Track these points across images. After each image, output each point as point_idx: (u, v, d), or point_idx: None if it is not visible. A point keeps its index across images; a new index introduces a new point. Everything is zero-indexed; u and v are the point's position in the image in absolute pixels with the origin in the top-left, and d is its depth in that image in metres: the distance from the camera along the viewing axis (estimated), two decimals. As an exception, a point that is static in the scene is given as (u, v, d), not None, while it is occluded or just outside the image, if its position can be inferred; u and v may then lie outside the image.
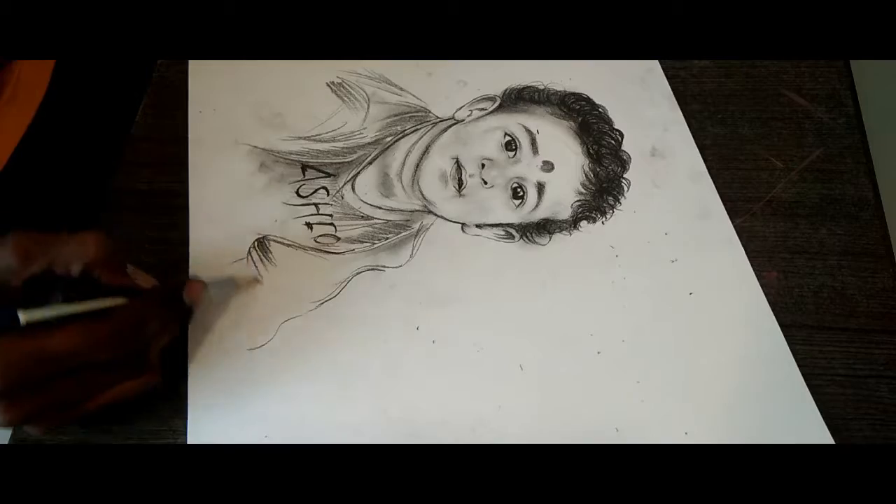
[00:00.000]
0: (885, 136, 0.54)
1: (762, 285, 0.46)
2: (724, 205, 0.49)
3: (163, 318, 0.39)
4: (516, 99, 0.54)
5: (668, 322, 0.45)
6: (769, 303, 0.45)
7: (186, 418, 0.42)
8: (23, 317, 0.35)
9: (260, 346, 0.44)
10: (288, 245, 0.48)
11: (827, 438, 0.41)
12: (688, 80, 0.54)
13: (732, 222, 0.48)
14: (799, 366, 0.43)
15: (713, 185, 0.49)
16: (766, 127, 0.52)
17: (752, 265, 0.46)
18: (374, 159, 0.51)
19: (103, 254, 0.37)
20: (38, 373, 0.35)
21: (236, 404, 0.43)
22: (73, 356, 0.35)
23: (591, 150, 0.51)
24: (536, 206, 0.49)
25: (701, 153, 0.51)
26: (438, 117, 0.53)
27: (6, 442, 0.43)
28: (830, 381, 0.43)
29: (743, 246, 0.47)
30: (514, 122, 0.52)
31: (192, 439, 0.42)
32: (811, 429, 0.41)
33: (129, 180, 0.51)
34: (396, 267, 0.47)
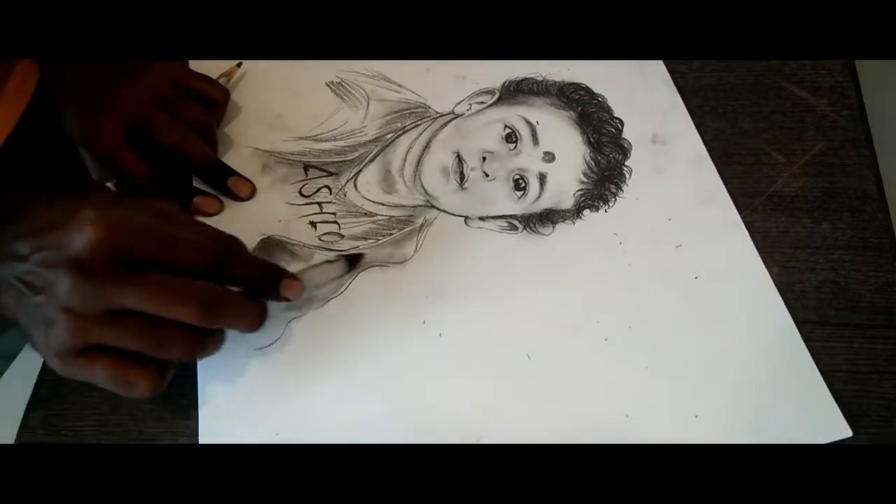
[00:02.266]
0: (889, 129, 0.53)
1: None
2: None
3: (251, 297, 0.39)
4: (515, 91, 0.54)
5: (675, 307, 0.45)
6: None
7: (197, 418, 0.42)
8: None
9: (268, 345, 0.44)
10: (293, 244, 0.48)
11: (837, 419, 0.41)
12: (688, 74, 0.54)
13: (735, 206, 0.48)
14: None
15: (715, 170, 0.49)
16: (767, 121, 0.52)
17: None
18: (375, 156, 0.51)
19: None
20: (152, 248, 0.35)
21: (246, 403, 0.43)
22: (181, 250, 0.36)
23: (592, 139, 0.51)
24: (539, 196, 0.49)
25: (702, 142, 0.51)
26: (438, 112, 0.53)
27: (11, 441, 0.43)
28: (833, 377, 0.42)
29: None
30: (513, 115, 0.52)
31: (203, 439, 0.42)
32: (820, 409, 0.41)
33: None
34: (401, 262, 0.47)
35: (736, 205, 0.48)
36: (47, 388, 0.45)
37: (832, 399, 0.41)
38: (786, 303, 0.45)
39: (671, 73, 0.54)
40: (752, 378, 0.42)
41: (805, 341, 0.43)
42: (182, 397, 0.43)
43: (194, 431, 0.42)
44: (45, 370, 0.45)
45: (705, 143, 0.51)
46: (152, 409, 0.43)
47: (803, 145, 0.51)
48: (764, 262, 0.46)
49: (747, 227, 0.47)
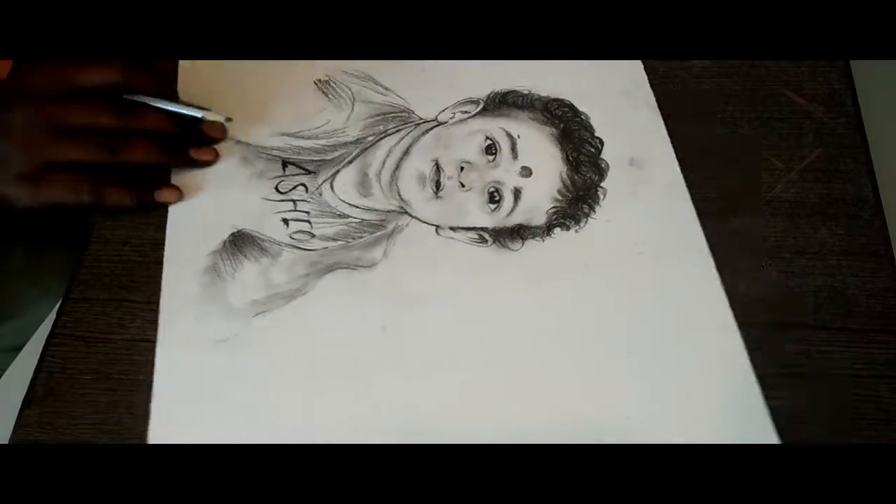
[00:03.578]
0: (885, 136, 0.54)
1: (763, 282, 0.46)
2: (712, 208, 0.48)
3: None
4: (500, 103, 0.54)
5: (635, 330, 0.45)
6: (748, 303, 0.45)
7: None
8: None
9: (228, 340, 0.44)
10: (263, 240, 0.48)
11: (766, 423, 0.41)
12: (687, 80, 0.54)
13: (717, 227, 0.48)
14: (798, 365, 0.43)
15: (688, 196, 0.49)
16: (766, 127, 0.52)
17: (719, 273, 0.46)
18: (354, 158, 0.52)
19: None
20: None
21: (202, 397, 0.43)
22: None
23: (570, 158, 0.51)
24: (512, 211, 0.49)
25: (698, 155, 0.51)
26: (421, 118, 0.53)
27: (6, 440, 0.42)
28: (831, 380, 0.43)
29: (725, 250, 0.47)
30: (495, 126, 0.52)
31: (153, 432, 0.41)
32: (758, 429, 0.41)
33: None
34: (369, 266, 0.47)
35: (735, 209, 0.48)
36: (43, 386, 0.43)
37: (771, 423, 0.41)
38: (783, 307, 0.45)
39: (671, 76, 0.54)
40: (701, 395, 0.43)
41: (802, 345, 0.44)
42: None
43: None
44: (40, 367, 0.44)
45: (705, 149, 0.51)
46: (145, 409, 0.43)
47: (801, 151, 0.51)
48: (762, 266, 0.46)
49: (746, 232, 0.48)
